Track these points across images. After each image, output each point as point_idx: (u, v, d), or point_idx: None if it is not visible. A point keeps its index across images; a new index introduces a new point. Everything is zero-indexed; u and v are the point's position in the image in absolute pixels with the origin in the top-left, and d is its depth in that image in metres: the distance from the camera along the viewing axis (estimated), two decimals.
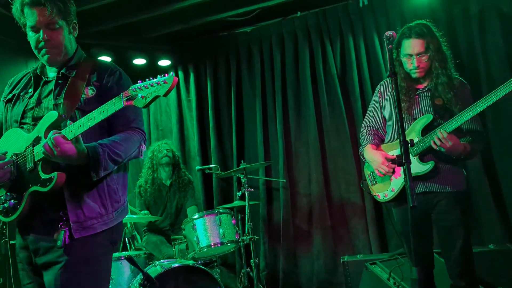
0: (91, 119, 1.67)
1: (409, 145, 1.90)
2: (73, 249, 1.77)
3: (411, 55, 2.57)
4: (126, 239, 4.23)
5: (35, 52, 1.95)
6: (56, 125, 1.77)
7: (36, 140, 1.81)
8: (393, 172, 2.62)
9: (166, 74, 1.59)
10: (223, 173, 4.37)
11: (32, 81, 2.00)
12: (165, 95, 1.56)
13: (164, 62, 5.27)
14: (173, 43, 5.25)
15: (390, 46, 2.16)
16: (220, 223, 3.57)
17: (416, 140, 2.53)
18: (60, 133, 1.69)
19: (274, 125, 4.85)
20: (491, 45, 4.05)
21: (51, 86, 1.95)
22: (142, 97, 1.57)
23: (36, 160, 1.79)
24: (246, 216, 3.91)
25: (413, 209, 1.78)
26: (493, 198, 3.94)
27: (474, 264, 2.53)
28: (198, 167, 4.66)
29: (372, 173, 2.78)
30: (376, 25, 4.49)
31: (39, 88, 1.97)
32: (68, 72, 1.95)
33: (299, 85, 4.79)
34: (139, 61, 5.16)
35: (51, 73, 2.00)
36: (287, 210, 4.67)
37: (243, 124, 5.09)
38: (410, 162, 1.85)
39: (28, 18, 1.88)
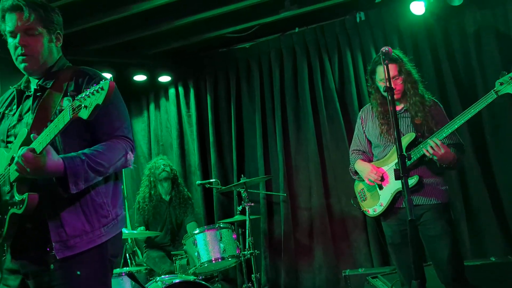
0: (47, 135, 1.58)
1: (406, 159, 1.92)
2: (63, 271, 1.69)
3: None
4: (127, 255, 4.22)
5: (14, 60, 1.87)
6: (27, 142, 1.67)
7: (12, 160, 1.71)
8: (382, 179, 2.78)
9: (106, 79, 1.49)
10: (223, 187, 4.38)
11: (16, 97, 1.93)
12: (104, 103, 1.45)
13: (164, 78, 5.32)
14: (173, 59, 5.31)
15: (386, 61, 2.22)
16: (221, 238, 3.57)
17: None
18: (29, 147, 1.59)
19: (274, 139, 4.87)
20: (488, 58, 4.09)
21: (31, 100, 1.86)
22: (85, 107, 1.47)
23: (11, 181, 1.71)
24: (247, 230, 3.90)
25: (411, 223, 1.79)
26: (494, 210, 3.94)
27: (464, 271, 2.65)
28: (198, 182, 4.67)
29: (363, 189, 2.94)
30: (373, 40, 4.55)
31: (22, 104, 1.90)
32: (45, 83, 1.85)
33: (298, 99, 4.83)
34: (140, 78, 5.22)
35: (34, 86, 1.90)
36: (288, 224, 4.66)
37: (243, 139, 5.11)
38: (408, 176, 1.87)
39: (7, 23, 1.82)
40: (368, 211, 2.89)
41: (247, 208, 3.94)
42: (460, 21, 4.24)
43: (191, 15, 4.32)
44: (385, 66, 2.22)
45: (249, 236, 3.86)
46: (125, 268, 3.56)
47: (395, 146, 2.65)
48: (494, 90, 2.51)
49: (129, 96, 5.62)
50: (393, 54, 2.72)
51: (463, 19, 4.22)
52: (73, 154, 1.68)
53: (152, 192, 4.34)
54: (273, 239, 4.81)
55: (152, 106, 5.62)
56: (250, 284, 3.86)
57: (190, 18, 4.34)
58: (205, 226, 3.68)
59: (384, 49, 2.24)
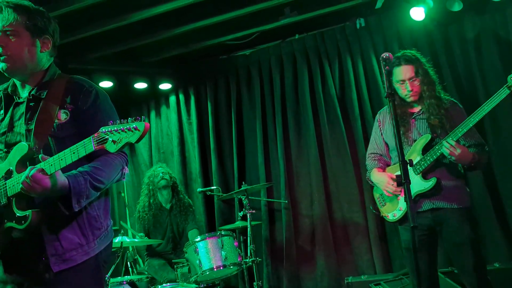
0: (61, 159, 1.59)
1: (408, 165, 1.91)
2: (58, 281, 1.69)
3: (403, 81, 2.74)
4: (128, 263, 4.20)
5: None
6: (27, 158, 1.68)
7: (8, 173, 1.71)
8: (401, 190, 2.72)
9: (138, 118, 1.52)
10: (224, 194, 4.37)
11: (3, 102, 1.88)
12: (137, 142, 1.50)
13: (165, 86, 5.32)
14: (174, 67, 5.32)
15: (387, 67, 2.22)
16: (222, 245, 3.55)
17: (418, 159, 2.66)
18: (37, 167, 1.60)
19: (274, 146, 4.87)
20: (488, 64, 4.10)
21: (22, 108, 1.83)
22: (114, 141, 1.50)
23: (9, 195, 1.69)
24: (248, 238, 3.88)
25: (414, 229, 1.78)
26: (497, 216, 3.92)
27: (487, 276, 2.61)
28: (199, 189, 4.66)
29: (381, 195, 2.88)
30: (374, 46, 4.56)
31: (10, 110, 1.85)
32: (38, 93, 1.82)
33: (298, 105, 4.83)
34: (140, 85, 5.22)
35: (23, 92, 1.87)
36: (290, 231, 4.64)
37: (243, 146, 5.11)
38: (409, 182, 1.86)
39: None
40: (387, 216, 2.84)
41: (248, 215, 3.93)
42: (460, 26, 4.25)
43: (191, 22, 4.33)
44: (385, 72, 2.23)
45: (250, 244, 3.84)
46: (126, 276, 3.54)
47: (411, 148, 2.70)
48: (507, 86, 2.47)
49: (129, 104, 5.63)
50: (410, 54, 2.75)
51: (463, 24, 4.23)
52: (75, 172, 1.69)
53: (152, 200, 4.32)
54: (275, 246, 4.78)
55: (152, 114, 5.62)
56: None
57: (190, 25, 4.36)
58: (207, 234, 3.67)
59: (385, 55, 2.24)
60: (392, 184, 2.71)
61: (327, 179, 4.63)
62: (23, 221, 1.65)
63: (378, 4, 4.19)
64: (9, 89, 1.91)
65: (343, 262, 4.44)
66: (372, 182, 2.93)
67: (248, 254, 3.83)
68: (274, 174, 4.85)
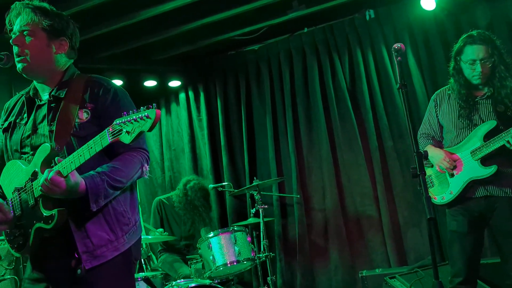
0: (80, 155, 1.61)
1: (423, 158, 1.88)
2: (90, 278, 1.72)
3: (474, 60, 2.63)
4: (142, 260, 4.23)
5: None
6: (50, 158, 1.70)
7: (34, 175, 1.75)
8: (454, 167, 2.68)
9: (150, 106, 1.51)
10: (236, 190, 4.37)
11: (26, 105, 1.93)
12: (150, 130, 1.49)
13: (174, 83, 5.33)
14: (183, 64, 5.33)
15: (399, 58, 2.19)
16: (236, 241, 3.55)
17: (478, 145, 2.61)
18: (54, 170, 1.62)
19: (285, 140, 4.85)
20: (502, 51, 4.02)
21: (44, 110, 1.87)
22: (127, 132, 1.50)
23: (36, 196, 1.74)
24: (261, 233, 3.88)
25: (431, 221, 1.76)
26: None
27: None
28: (211, 186, 4.66)
29: (430, 176, 2.83)
30: (384, 37, 4.50)
31: (33, 113, 1.89)
32: (58, 93, 1.86)
33: (309, 99, 4.81)
34: (150, 83, 5.23)
35: (44, 95, 1.92)
36: (302, 225, 4.63)
37: (254, 141, 5.10)
38: (424, 174, 1.84)
39: (15, 26, 1.87)
40: (435, 198, 2.77)
41: (260, 210, 3.93)
42: (471, 15, 4.17)
43: (199, 19, 4.32)
44: (397, 63, 2.19)
45: (263, 239, 3.84)
46: (141, 273, 3.56)
47: (471, 132, 2.64)
48: None
49: (140, 102, 5.54)
50: (485, 34, 2.65)
51: (475, 12, 4.15)
52: (92, 173, 1.72)
53: (184, 202, 4.29)
54: (288, 241, 4.78)
55: (163, 111, 5.63)
56: (266, 287, 3.84)
57: (198, 22, 4.34)
58: (219, 229, 3.67)
59: (397, 45, 2.20)
60: (448, 161, 2.66)
61: (339, 172, 4.60)
62: (50, 221, 1.69)
63: None
64: (31, 93, 1.95)
65: (357, 256, 4.43)
66: (426, 158, 2.80)
67: (262, 249, 3.83)
68: (286, 169, 4.83)
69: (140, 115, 1.49)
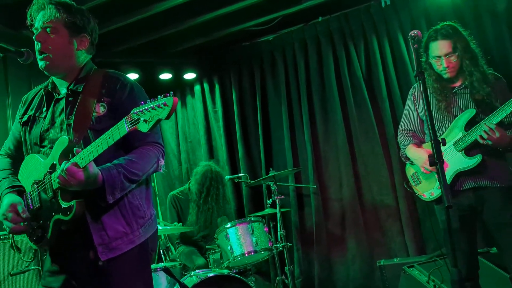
0: (98, 146, 1.63)
1: (441, 144, 1.86)
2: (107, 269, 1.75)
3: (439, 57, 2.61)
4: (161, 250, 4.29)
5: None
6: (68, 151, 1.73)
7: (52, 167, 1.78)
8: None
9: (167, 94, 1.52)
10: (252, 181, 4.38)
11: (44, 99, 1.96)
12: (167, 117, 1.50)
13: (189, 76, 5.35)
14: (197, 56, 5.34)
15: (415, 45, 2.16)
16: (253, 231, 3.57)
17: (460, 135, 2.55)
18: (71, 162, 1.65)
19: (301, 131, 4.84)
20: None
21: (62, 104, 1.89)
22: (145, 121, 1.51)
23: (54, 188, 1.77)
24: (278, 223, 3.90)
25: (448, 209, 1.74)
26: None
27: None
28: (227, 177, 4.68)
29: (415, 173, 2.78)
30: (400, 24, 4.44)
31: (51, 107, 1.92)
32: (76, 87, 1.89)
33: (324, 89, 4.77)
34: (165, 76, 5.27)
35: (62, 89, 1.94)
36: (319, 215, 4.63)
37: (270, 132, 5.10)
38: (443, 162, 1.81)
39: (37, 22, 1.88)
40: (423, 195, 2.72)
41: (277, 201, 3.94)
42: (490, 1, 4.07)
43: (212, 10, 4.32)
44: (414, 51, 2.15)
45: (280, 229, 3.86)
46: (160, 263, 3.62)
47: (452, 123, 2.57)
48: None
49: (155, 95, 5.64)
50: (448, 28, 2.60)
51: None
52: (109, 165, 1.74)
53: (205, 193, 4.28)
54: (305, 231, 4.79)
55: (178, 104, 5.66)
56: (283, 277, 3.86)
57: (212, 13, 4.34)
58: (237, 220, 3.69)
59: (413, 32, 2.16)
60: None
61: (355, 162, 4.58)
62: (68, 212, 1.72)
63: None
64: (49, 87, 1.98)
65: (375, 245, 4.41)
66: (408, 159, 2.80)
67: (279, 240, 3.84)
68: (302, 159, 4.83)
69: (157, 103, 1.50)
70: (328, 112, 4.75)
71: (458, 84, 2.65)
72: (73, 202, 1.71)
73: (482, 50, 2.68)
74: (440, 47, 2.59)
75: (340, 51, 4.69)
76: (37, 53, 1.88)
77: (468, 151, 2.53)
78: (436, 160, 1.81)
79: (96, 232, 1.75)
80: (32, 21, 1.91)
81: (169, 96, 1.51)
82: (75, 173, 1.63)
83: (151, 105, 1.50)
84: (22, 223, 1.82)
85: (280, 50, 5.04)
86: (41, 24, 1.86)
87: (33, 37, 1.87)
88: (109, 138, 1.61)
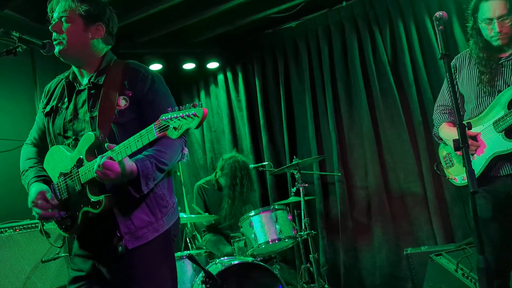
0: (127, 147, 1.67)
1: (467, 128, 1.78)
2: (133, 255, 1.81)
3: (491, 19, 2.30)
4: (187, 239, 4.36)
5: None
6: (95, 147, 1.79)
7: (79, 162, 1.82)
8: (477, 148, 2.34)
9: (196, 104, 1.54)
10: (276, 170, 4.37)
11: (66, 90, 1.99)
12: (197, 127, 1.54)
13: (212, 65, 5.36)
14: (220, 45, 5.33)
15: (440, 27, 2.05)
16: (277, 219, 3.58)
17: (501, 114, 2.27)
18: (106, 156, 1.68)
19: (325, 118, 4.78)
20: None
21: (84, 95, 1.92)
22: (174, 128, 1.55)
23: (82, 182, 1.81)
24: (302, 211, 3.89)
25: (474, 195, 1.68)
26: None
27: None
28: (251, 165, 4.67)
29: (448, 154, 2.54)
30: (427, 6, 4.29)
31: (73, 98, 1.95)
32: (97, 79, 1.91)
33: (349, 76, 4.69)
34: (189, 66, 5.29)
35: (83, 80, 1.97)
36: (344, 203, 4.59)
37: (293, 120, 5.07)
38: (468, 146, 1.75)
39: (53, 13, 1.92)
40: (455, 179, 2.48)
41: (301, 189, 3.92)
42: None
43: None
44: (438, 32, 2.04)
45: (305, 217, 3.85)
46: (185, 251, 3.67)
47: (494, 100, 2.29)
48: None
49: (179, 85, 5.74)
50: None
51: None
52: (141, 156, 1.78)
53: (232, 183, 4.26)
54: (330, 219, 4.76)
55: (202, 93, 5.70)
56: (308, 265, 3.86)
57: (234, 1, 4.31)
58: (260, 208, 3.70)
59: (438, 13, 2.03)
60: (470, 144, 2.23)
61: (381, 149, 4.50)
62: (97, 206, 1.77)
63: None
64: (70, 77, 2.01)
65: (402, 233, 4.34)
66: (441, 139, 2.54)
67: (303, 228, 3.83)
68: (326, 147, 4.78)
69: (187, 113, 1.52)
70: (353, 98, 4.67)
71: (507, 54, 2.34)
72: (102, 197, 1.76)
73: None
74: (493, 8, 2.27)
75: (365, 36, 4.58)
76: (53, 41, 1.92)
77: (509, 132, 2.25)
78: (461, 144, 1.74)
79: (122, 221, 1.80)
80: (52, 13, 1.95)
81: (199, 106, 1.53)
82: (112, 166, 1.66)
83: (181, 114, 1.53)
84: (50, 210, 1.87)
85: (303, 37, 4.97)
86: (57, 14, 1.90)
87: (50, 27, 1.91)
88: (138, 141, 1.64)
